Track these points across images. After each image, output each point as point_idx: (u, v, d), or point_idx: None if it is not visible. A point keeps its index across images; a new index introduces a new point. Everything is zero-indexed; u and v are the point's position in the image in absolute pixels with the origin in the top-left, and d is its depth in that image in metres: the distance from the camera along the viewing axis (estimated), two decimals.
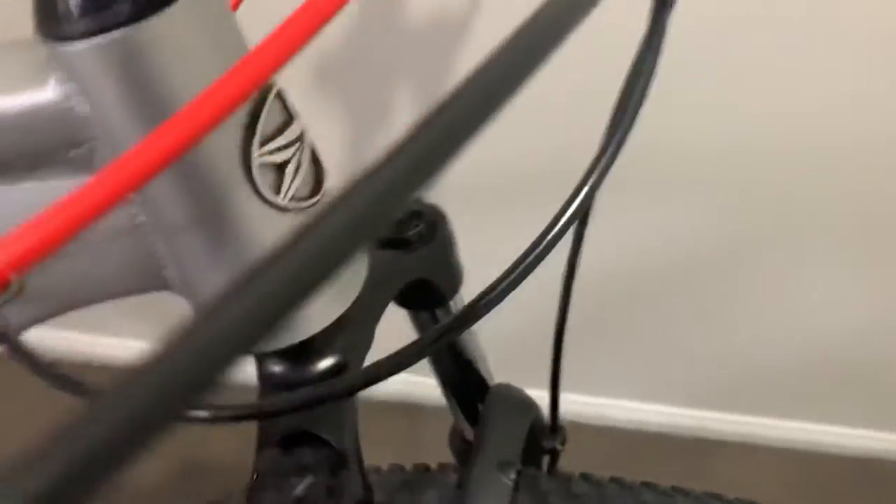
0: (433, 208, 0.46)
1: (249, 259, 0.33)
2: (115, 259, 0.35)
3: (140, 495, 1.06)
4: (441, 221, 0.45)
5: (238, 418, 0.34)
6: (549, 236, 0.34)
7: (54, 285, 0.38)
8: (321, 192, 0.34)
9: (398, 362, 0.33)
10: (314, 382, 0.37)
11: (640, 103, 0.36)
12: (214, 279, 0.34)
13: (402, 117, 0.89)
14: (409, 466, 0.53)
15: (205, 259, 0.33)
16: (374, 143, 0.92)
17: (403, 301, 0.48)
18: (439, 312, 0.49)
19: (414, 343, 0.35)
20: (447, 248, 0.46)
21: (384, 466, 0.54)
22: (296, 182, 0.33)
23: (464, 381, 0.52)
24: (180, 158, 0.27)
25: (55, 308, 0.39)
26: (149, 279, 0.35)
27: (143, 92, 0.28)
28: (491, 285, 0.34)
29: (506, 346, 0.68)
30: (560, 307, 0.47)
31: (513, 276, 0.33)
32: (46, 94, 0.30)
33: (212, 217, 0.32)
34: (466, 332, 0.51)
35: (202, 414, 0.33)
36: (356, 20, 0.82)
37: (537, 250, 0.33)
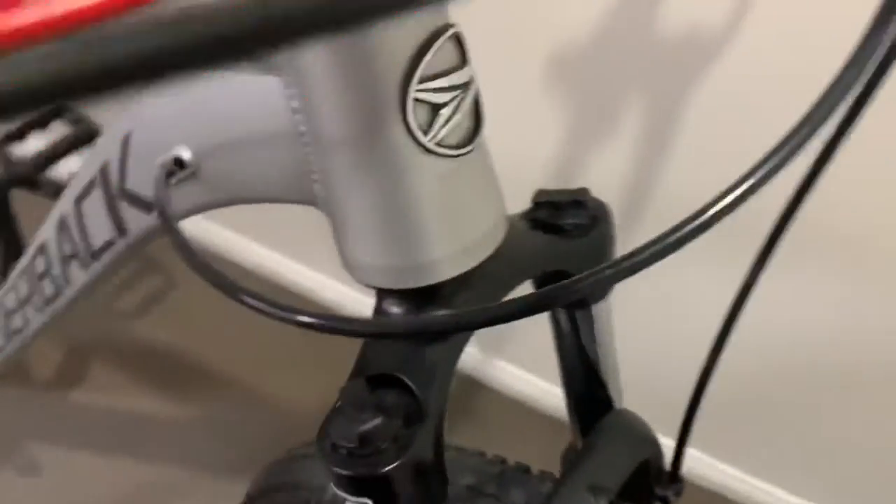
0: (599, 204, 0.44)
1: (385, 191, 0.33)
2: (276, 163, 0.37)
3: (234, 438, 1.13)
4: (604, 218, 0.43)
5: (351, 333, 0.34)
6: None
7: (223, 176, 0.41)
8: (470, 146, 0.34)
9: (525, 306, 0.32)
10: None
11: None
12: (353, 201, 0.34)
13: (627, 130, 0.86)
14: (511, 462, 0.52)
15: (347, 179, 0.34)
16: (590, 150, 0.90)
17: None
18: (579, 316, 0.47)
19: (538, 292, 0.33)
20: (603, 247, 0.43)
21: (489, 455, 0.53)
22: (447, 128, 0.32)
23: (589, 395, 0.50)
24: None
25: (218, 199, 0.42)
26: (301, 189, 0.37)
27: None
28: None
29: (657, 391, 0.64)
30: (709, 356, 0.44)
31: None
32: None
33: (360, 137, 0.32)
34: (606, 345, 0.49)
35: (319, 322, 0.33)
36: (609, 21, 0.81)
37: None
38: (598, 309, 0.47)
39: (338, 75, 0.31)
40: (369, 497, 0.34)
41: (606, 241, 0.44)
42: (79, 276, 0.58)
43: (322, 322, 0.32)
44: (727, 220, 0.29)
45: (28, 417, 1.24)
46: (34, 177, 0.90)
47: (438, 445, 0.36)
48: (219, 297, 0.35)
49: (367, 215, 0.34)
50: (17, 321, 0.72)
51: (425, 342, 0.37)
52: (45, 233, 0.59)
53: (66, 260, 0.58)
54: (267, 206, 0.41)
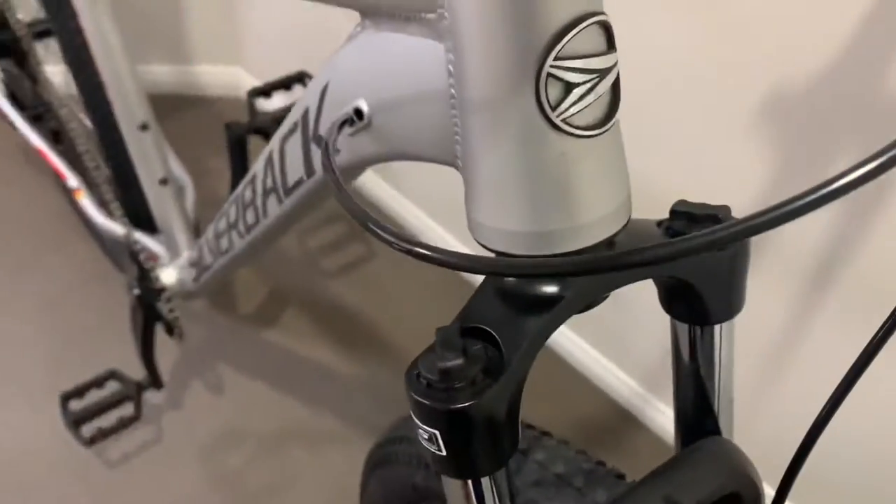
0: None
1: (510, 157, 0.36)
2: (430, 122, 0.41)
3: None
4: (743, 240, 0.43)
5: (467, 268, 0.34)
6: None
7: (388, 130, 0.46)
8: (599, 130, 0.36)
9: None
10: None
11: None
12: (481, 163, 0.37)
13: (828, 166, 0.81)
14: (609, 466, 0.53)
15: (480, 141, 0.37)
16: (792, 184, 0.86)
17: (668, 304, 0.47)
18: (700, 333, 0.46)
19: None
20: (734, 266, 0.43)
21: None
22: (576, 107, 0.35)
23: (696, 418, 0.49)
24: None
25: (381, 152, 0.47)
26: (446, 150, 0.41)
27: None
28: None
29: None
30: (822, 412, 0.42)
31: None
32: None
33: (496, 103, 0.35)
34: (723, 369, 0.48)
35: (440, 257, 0.34)
36: (835, 69, 0.77)
37: None
38: (721, 329, 0.46)
39: (486, 41, 0.34)
40: (437, 430, 0.37)
41: (738, 261, 0.43)
42: (273, 209, 0.67)
43: (443, 257, 0.33)
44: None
45: (225, 343, 1.39)
46: (271, 130, 1.02)
47: (513, 404, 0.38)
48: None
49: (492, 178, 0.37)
50: (223, 243, 0.82)
51: (525, 308, 0.39)
52: (256, 166, 0.68)
53: (266, 192, 0.67)
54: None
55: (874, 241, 0.81)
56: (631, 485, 0.50)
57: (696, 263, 0.42)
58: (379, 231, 0.35)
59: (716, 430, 0.49)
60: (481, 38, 0.34)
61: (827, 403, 0.43)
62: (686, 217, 0.43)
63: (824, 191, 0.28)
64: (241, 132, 1.01)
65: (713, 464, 0.45)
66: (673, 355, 0.48)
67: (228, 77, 1.83)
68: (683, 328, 0.47)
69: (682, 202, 0.44)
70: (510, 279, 0.40)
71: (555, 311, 0.39)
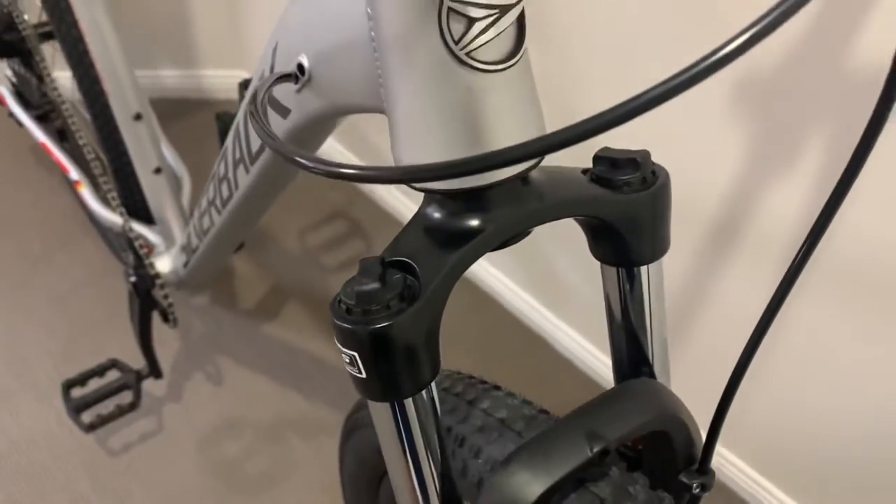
0: (659, 168, 0.45)
1: (422, 92, 0.38)
2: (359, 70, 0.43)
3: None
4: (660, 182, 0.45)
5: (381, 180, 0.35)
6: None
7: (326, 83, 0.48)
8: (505, 65, 0.38)
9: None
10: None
11: None
12: (398, 101, 0.40)
13: (808, 165, 0.82)
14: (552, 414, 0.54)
15: (395, 80, 0.39)
16: (767, 179, 0.88)
17: (596, 248, 0.48)
18: (630, 275, 0.48)
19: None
20: (655, 209, 0.45)
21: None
22: (478, 41, 0.37)
23: (631, 361, 0.51)
24: None
25: (325, 107, 0.50)
26: (374, 95, 0.43)
27: None
28: None
29: None
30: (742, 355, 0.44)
31: None
32: None
33: (406, 41, 0.38)
34: (654, 312, 0.49)
35: (357, 172, 0.34)
36: (802, 49, 0.79)
37: None
38: (649, 270, 0.48)
39: None
40: (356, 351, 0.39)
41: (659, 203, 0.45)
42: (243, 180, 0.69)
43: (359, 172, 0.34)
44: None
45: (226, 336, 1.42)
46: None
47: (431, 331, 0.40)
48: None
49: (407, 114, 0.39)
50: (205, 221, 0.85)
51: (445, 242, 0.41)
52: (227, 140, 0.71)
53: (236, 164, 0.69)
54: None
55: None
56: None
57: (617, 204, 0.44)
58: (298, 159, 0.37)
59: (651, 375, 0.50)
60: None
61: (746, 345, 0.45)
62: (608, 162, 0.45)
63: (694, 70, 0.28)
64: (230, 122, 1.04)
65: (638, 402, 0.46)
66: (605, 301, 0.50)
67: (233, 80, 1.87)
68: (612, 272, 0.48)
69: (605, 149, 0.46)
70: (435, 216, 0.42)
71: (472, 245, 0.41)
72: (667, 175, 0.45)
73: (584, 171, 0.46)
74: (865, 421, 0.89)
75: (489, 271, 1.44)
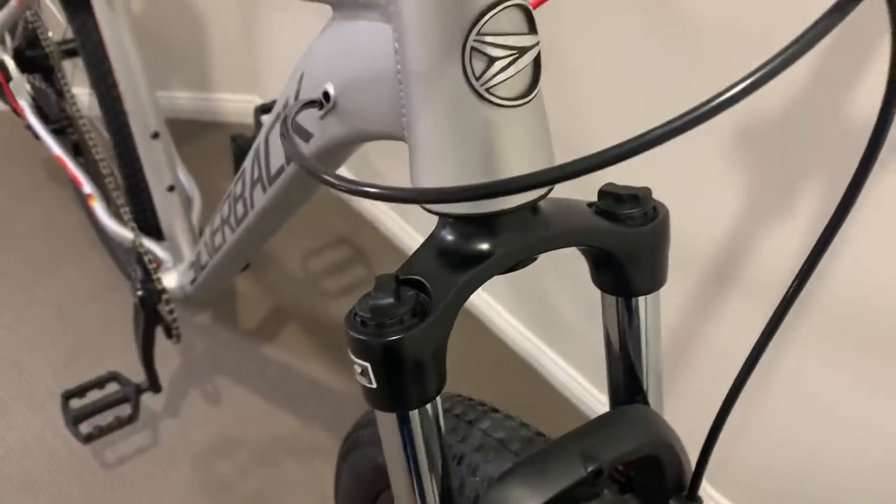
0: (660, 205, 0.48)
1: (441, 120, 0.41)
2: (384, 99, 0.46)
3: None
4: (662, 218, 0.47)
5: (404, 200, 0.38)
6: None
7: (351, 111, 0.51)
8: (521, 101, 0.41)
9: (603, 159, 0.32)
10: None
11: None
12: (421, 129, 0.42)
13: (804, 215, 0.85)
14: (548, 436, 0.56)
15: (418, 109, 0.42)
16: (762, 228, 0.90)
17: (597, 276, 0.51)
18: (628, 304, 0.50)
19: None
20: (654, 241, 0.47)
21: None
22: (497, 78, 0.40)
23: (626, 390, 0.53)
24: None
25: (349, 133, 0.52)
26: (396, 124, 0.46)
27: None
28: None
29: None
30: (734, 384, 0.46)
31: None
32: None
33: (430, 73, 0.40)
34: (650, 342, 0.52)
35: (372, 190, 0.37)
36: (803, 100, 0.82)
37: None
38: (647, 301, 0.50)
39: (422, 19, 0.40)
40: (368, 362, 0.41)
41: (658, 236, 0.48)
42: (259, 199, 0.72)
43: (382, 192, 0.37)
44: None
45: (225, 356, 1.44)
46: None
47: (439, 347, 0.42)
48: None
49: (427, 142, 0.42)
50: (217, 239, 0.88)
51: (456, 264, 0.44)
52: (246, 162, 0.73)
53: (253, 184, 0.72)
54: None
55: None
56: None
57: (619, 236, 0.47)
58: (326, 177, 0.40)
59: (644, 401, 0.52)
60: (418, 16, 0.40)
61: (736, 379, 0.47)
62: (612, 197, 0.48)
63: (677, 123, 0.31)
64: (245, 144, 1.07)
65: (631, 427, 0.48)
66: (604, 328, 0.52)
67: (245, 105, 1.92)
68: (611, 301, 0.51)
69: (609, 185, 0.48)
70: (448, 238, 0.45)
71: (482, 268, 0.43)
72: (667, 211, 0.48)
73: (590, 204, 0.48)
74: (855, 468, 0.91)
75: (482, 297, 1.47)
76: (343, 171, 1.73)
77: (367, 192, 0.37)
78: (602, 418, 0.49)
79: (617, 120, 1.00)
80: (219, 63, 1.93)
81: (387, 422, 0.45)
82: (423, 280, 0.43)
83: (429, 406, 0.44)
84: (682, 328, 1.05)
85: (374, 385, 0.42)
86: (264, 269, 1.61)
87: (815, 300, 0.86)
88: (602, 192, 0.48)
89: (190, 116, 1.96)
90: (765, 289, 0.92)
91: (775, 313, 0.44)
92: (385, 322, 0.41)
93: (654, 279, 0.49)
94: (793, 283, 0.43)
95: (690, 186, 0.95)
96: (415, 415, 0.44)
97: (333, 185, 0.39)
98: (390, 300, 0.41)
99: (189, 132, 1.87)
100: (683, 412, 0.78)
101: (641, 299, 0.50)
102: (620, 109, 0.99)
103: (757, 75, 0.30)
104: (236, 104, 1.95)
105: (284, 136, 0.44)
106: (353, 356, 0.42)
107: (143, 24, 1.80)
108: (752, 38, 0.80)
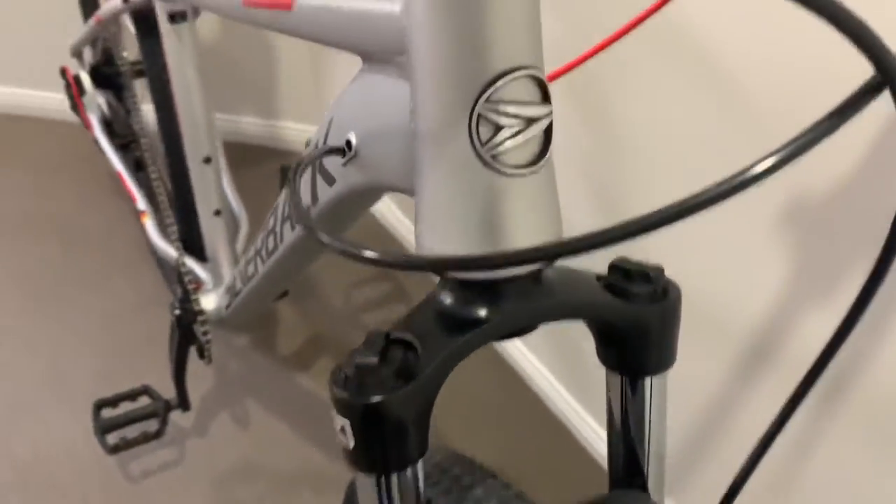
0: (672, 284, 0.46)
1: (445, 183, 0.40)
2: (399, 154, 0.46)
3: None
4: (673, 298, 0.46)
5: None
6: None
7: (370, 162, 0.51)
8: (527, 171, 0.40)
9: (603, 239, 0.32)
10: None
11: None
12: (427, 189, 0.42)
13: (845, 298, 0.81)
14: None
15: (426, 169, 0.42)
16: (803, 309, 0.87)
17: (603, 353, 0.49)
18: (630, 384, 0.49)
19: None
20: (664, 321, 0.46)
21: None
22: (503, 146, 0.39)
23: (626, 471, 0.51)
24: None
25: (366, 182, 0.52)
26: (408, 179, 0.45)
27: None
28: None
29: None
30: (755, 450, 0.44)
31: None
32: (394, 6, 0.42)
33: (438, 135, 0.40)
34: (654, 424, 0.50)
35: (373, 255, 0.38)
36: (853, 181, 0.79)
37: None
38: (652, 382, 0.48)
39: (434, 80, 0.39)
40: (348, 420, 0.41)
41: (668, 317, 0.46)
42: (287, 235, 0.72)
43: (377, 257, 0.37)
44: None
45: (258, 381, 1.45)
46: None
47: (422, 411, 0.41)
48: None
49: (431, 203, 0.42)
50: (250, 268, 0.89)
51: (451, 327, 0.43)
52: (280, 198, 0.74)
53: (284, 220, 0.73)
54: None
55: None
56: None
57: (625, 314, 0.45)
58: (321, 236, 0.40)
59: (643, 487, 0.50)
60: (430, 77, 0.40)
61: (745, 463, 0.45)
62: (622, 272, 0.46)
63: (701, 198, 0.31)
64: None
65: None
66: (607, 406, 0.51)
67: (309, 134, 1.96)
68: (615, 378, 0.49)
69: (620, 258, 0.47)
70: (446, 301, 0.44)
71: (476, 333, 0.42)
72: (679, 292, 0.46)
73: (599, 277, 0.47)
74: None
75: (519, 349, 1.45)
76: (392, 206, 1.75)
77: (363, 256, 0.37)
78: (596, 502, 0.47)
79: (663, 184, 0.98)
80: (286, 92, 1.98)
81: (365, 483, 0.44)
82: (413, 341, 0.42)
83: (408, 470, 0.43)
84: (706, 410, 1.01)
85: (352, 445, 0.41)
86: (306, 298, 1.62)
87: (857, 386, 0.82)
88: (612, 267, 0.47)
89: (254, 142, 2.00)
90: (799, 371, 0.88)
91: (796, 389, 0.42)
92: (367, 382, 0.40)
93: (662, 360, 0.47)
94: (817, 361, 0.41)
95: (731, 256, 0.93)
96: (394, 478, 0.43)
97: (330, 247, 0.39)
98: (374, 359, 0.40)
99: (251, 157, 1.91)
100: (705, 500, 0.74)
101: (647, 380, 0.48)
102: (671, 174, 0.97)
103: (782, 154, 0.29)
104: (301, 133, 1.99)
105: (290, 183, 0.44)
106: (334, 412, 0.42)
107: (218, 49, 1.86)
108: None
